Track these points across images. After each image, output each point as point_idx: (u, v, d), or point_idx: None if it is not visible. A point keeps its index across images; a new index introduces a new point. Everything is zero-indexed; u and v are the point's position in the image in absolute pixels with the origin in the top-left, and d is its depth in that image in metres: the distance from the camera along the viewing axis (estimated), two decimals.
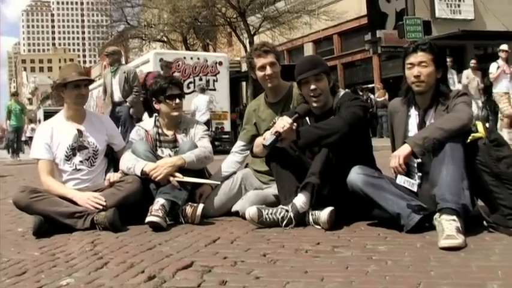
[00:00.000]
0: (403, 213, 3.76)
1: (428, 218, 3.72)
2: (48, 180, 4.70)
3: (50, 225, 4.31)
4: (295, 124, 4.22)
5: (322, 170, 4.08)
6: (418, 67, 4.03)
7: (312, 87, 4.34)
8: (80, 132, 4.86)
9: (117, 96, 11.48)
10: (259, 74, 4.90)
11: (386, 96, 22.41)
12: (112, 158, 5.04)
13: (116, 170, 4.89)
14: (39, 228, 4.25)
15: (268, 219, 4.15)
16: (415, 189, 3.94)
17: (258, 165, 4.99)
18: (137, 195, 4.54)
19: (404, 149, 3.81)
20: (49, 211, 4.34)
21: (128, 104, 11.32)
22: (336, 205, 4.08)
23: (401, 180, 3.94)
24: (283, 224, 4.10)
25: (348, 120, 4.17)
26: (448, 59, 16.48)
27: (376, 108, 23.13)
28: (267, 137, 4.18)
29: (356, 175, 3.96)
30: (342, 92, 4.57)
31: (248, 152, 4.99)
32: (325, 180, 4.09)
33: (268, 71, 4.85)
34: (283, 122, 4.17)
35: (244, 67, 30.13)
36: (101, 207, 4.39)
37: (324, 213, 4.02)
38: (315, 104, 4.39)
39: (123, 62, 13.64)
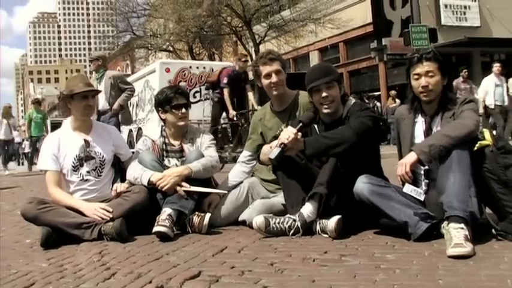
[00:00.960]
0: (411, 222, 3.75)
1: (436, 226, 3.71)
2: (56, 191, 4.71)
3: (57, 236, 4.32)
4: (300, 134, 4.22)
5: (330, 180, 4.07)
6: (425, 77, 4.01)
7: (324, 94, 4.34)
8: (86, 142, 4.87)
9: (101, 104, 10.62)
10: (265, 82, 4.90)
11: (397, 103, 22.28)
12: (119, 168, 5.04)
13: (123, 180, 4.89)
14: (47, 239, 4.26)
15: (275, 228, 4.15)
16: (422, 198, 3.93)
17: (265, 174, 4.99)
18: (144, 205, 4.53)
19: (411, 157, 3.80)
20: (57, 222, 4.35)
21: (116, 105, 10.44)
22: (343, 213, 4.07)
23: (408, 189, 3.93)
24: (291, 233, 4.10)
25: (357, 130, 4.16)
26: (496, 65, 15.91)
27: (387, 115, 23.04)
28: (273, 150, 4.20)
29: (362, 184, 3.95)
30: (352, 100, 4.56)
31: (255, 161, 5.00)
32: (333, 189, 4.08)
33: (274, 78, 4.84)
34: (288, 133, 4.18)
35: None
36: (108, 218, 4.39)
37: (332, 222, 4.01)
38: (325, 110, 4.38)
39: (130, 72, 13.05)
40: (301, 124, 4.30)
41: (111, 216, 4.41)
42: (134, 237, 4.36)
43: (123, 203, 4.52)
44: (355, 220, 4.14)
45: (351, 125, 4.22)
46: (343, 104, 4.49)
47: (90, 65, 11.99)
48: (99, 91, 5.08)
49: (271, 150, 4.27)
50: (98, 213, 4.43)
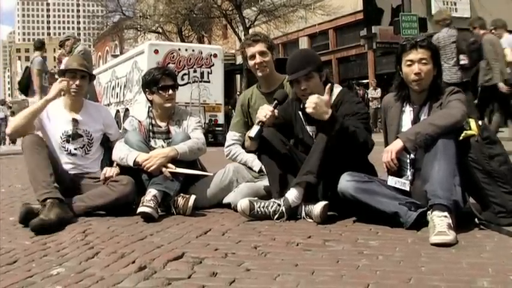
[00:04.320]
0: (401, 212, 3.75)
1: (424, 215, 3.71)
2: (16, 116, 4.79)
3: (36, 216, 4.30)
4: (276, 111, 4.27)
5: (320, 169, 4.06)
6: (418, 64, 3.98)
7: (303, 87, 4.30)
8: (75, 121, 4.87)
9: None
10: (251, 63, 4.94)
11: (378, 92, 22.40)
12: (108, 147, 5.04)
13: (111, 159, 4.89)
14: (26, 216, 4.25)
15: (259, 212, 4.15)
16: (407, 188, 3.93)
17: None
18: (129, 198, 4.54)
19: (397, 144, 3.81)
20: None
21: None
22: (328, 198, 4.08)
23: (392, 181, 3.94)
24: (275, 218, 4.11)
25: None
26: None
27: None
28: (252, 129, 4.25)
29: (346, 182, 3.94)
30: (338, 88, 4.53)
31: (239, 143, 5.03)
32: (320, 175, 4.08)
33: (258, 59, 4.86)
34: (265, 111, 4.21)
35: (238, 60, 30.14)
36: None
37: (317, 207, 4.02)
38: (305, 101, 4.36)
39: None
40: (276, 102, 4.34)
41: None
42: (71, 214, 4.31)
43: (109, 193, 4.51)
44: (339, 206, 4.15)
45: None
46: (324, 86, 4.43)
47: (60, 49, 11.61)
48: (88, 72, 5.01)
49: (250, 130, 4.32)
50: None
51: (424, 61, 3.99)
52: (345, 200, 3.99)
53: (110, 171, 4.71)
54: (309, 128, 4.45)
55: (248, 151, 4.86)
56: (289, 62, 4.47)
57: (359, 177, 3.96)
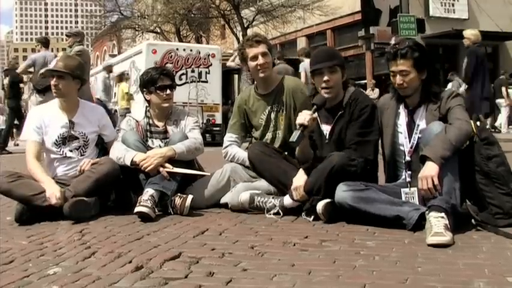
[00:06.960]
0: (402, 214, 3.74)
1: (424, 216, 3.69)
2: (32, 162, 4.68)
3: (31, 213, 4.30)
4: (315, 115, 4.27)
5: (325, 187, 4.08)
6: (399, 76, 4.01)
7: (325, 78, 4.30)
8: (71, 123, 4.86)
9: None
10: (252, 64, 4.91)
11: (376, 93, 22.40)
12: (102, 148, 5.04)
13: None
14: (21, 216, 4.27)
15: (257, 206, 4.33)
16: (416, 196, 3.92)
17: None
18: (110, 177, 4.55)
19: (434, 168, 3.63)
20: (28, 195, 4.32)
21: None
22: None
23: (403, 197, 3.95)
24: (271, 213, 4.24)
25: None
26: None
27: None
28: (293, 133, 4.20)
29: (343, 193, 3.92)
30: (352, 88, 4.53)
31: (243, 144, 5.13)
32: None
33: (261, 60, 4.85)
34: (306, 116, 4.18)
35: (236, 60, 30.04)
36: (57, 205, 4.30)
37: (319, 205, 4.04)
38: (326, 95, 4.34)
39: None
40: (315, 107, 4.32)
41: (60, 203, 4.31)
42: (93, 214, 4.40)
43: (90, 175, 4.55)
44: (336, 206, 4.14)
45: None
46: (344, 90, 4.46)
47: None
48: (65, 72, 4.87)
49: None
50: (53, 198, 4.30)
51: (404, 73, 4.00)
52: (342, 208, 3.98)
53: (88, 163, 4.71)
54: (323, 127, 4.48)
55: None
56: (314, 55, 4.59)
57: (355, 185, 3.94)
